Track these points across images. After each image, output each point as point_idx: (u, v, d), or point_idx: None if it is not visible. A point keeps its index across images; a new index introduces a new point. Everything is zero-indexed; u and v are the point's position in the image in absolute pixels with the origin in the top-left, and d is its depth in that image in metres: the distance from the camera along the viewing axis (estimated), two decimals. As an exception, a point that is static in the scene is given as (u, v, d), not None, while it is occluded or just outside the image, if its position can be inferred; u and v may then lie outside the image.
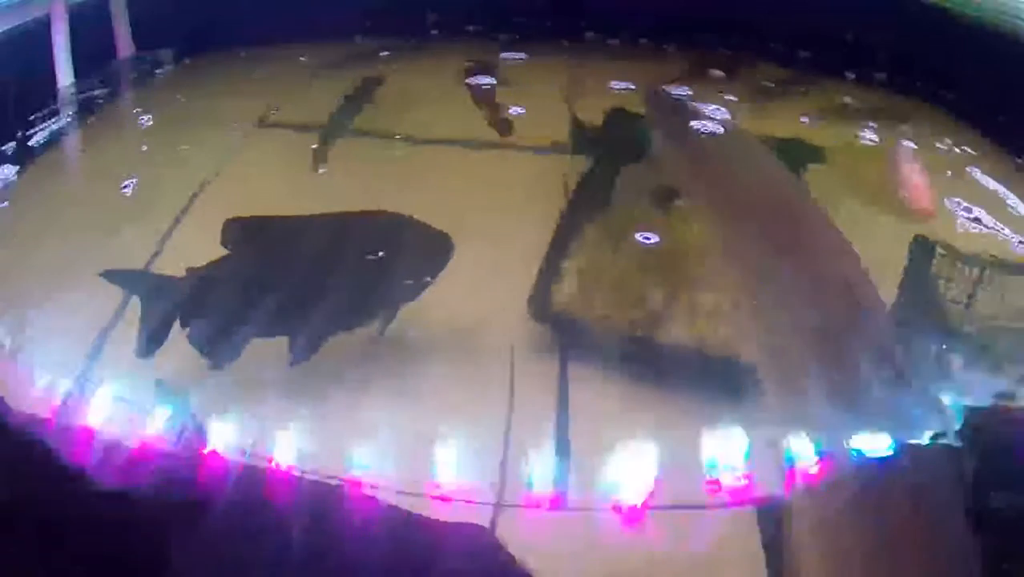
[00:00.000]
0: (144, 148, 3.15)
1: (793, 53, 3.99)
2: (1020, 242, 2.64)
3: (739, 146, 3.12)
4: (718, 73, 3.82)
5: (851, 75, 3.83)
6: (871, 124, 3.31)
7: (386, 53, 4.01)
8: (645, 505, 1.76)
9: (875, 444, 1.87)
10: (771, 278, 2.30)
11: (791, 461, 1.83)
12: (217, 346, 2.05)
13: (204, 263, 2.24)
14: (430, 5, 4.28)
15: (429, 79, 3.77)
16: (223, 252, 2.28)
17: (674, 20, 4.08)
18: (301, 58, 3.92)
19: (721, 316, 2.24)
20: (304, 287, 2.17)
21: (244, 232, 2.31)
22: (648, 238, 2.47)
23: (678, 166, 2.97)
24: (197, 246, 2.53)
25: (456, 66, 3.82)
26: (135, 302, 2.23)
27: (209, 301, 2.13)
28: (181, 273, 2.22)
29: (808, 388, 2.06)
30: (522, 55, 3.91)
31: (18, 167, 2.89)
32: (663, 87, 3.56)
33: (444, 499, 1.77)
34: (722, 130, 3.14)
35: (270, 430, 1.91)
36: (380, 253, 2.27)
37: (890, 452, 1.85)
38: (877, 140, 3.23)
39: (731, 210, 2.60)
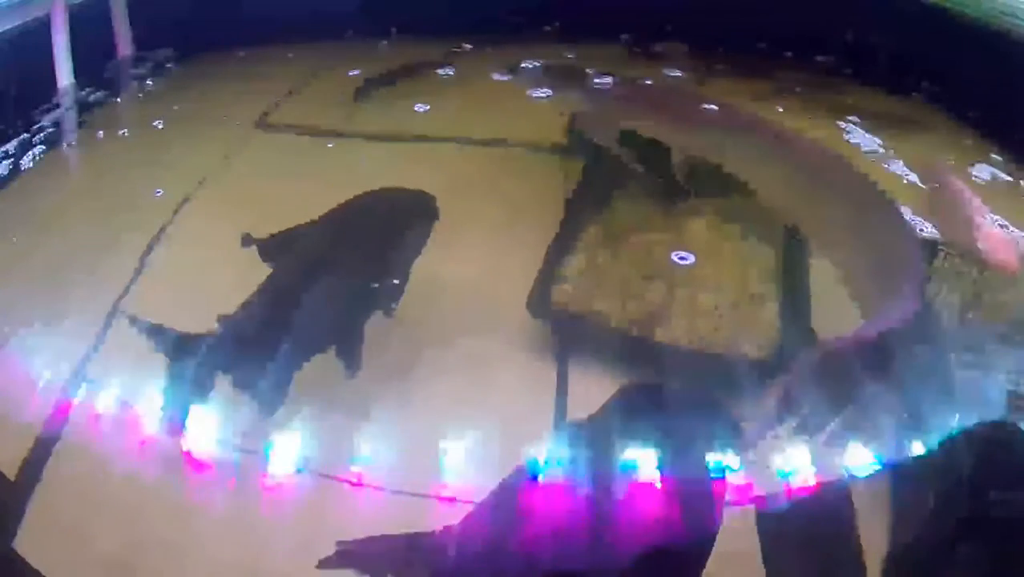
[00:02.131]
0: (144, 147, 3.15)
1: (791, 55, 3.99)
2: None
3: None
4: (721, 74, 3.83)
5: (849, 76, 3.83)
6: (868, 126, 3.31)
7: (385, 44, 4.03)
8: (645, 502, 1.76)
9: (876, 446, 1.88)
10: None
11: (789, 462, 1.84)
12: (266, 391, 1.96)
13: (204, 267, 2.24)
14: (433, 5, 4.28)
15: (428, 77, 3.76)
16: (220, 252, 2.29)
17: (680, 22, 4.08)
18: (289, 55, 3.93)
19: (722, 314, 2.25)
20: (327, 297, 2.13)
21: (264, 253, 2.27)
22: (684, 258, 2.45)
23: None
24: (196, 245, 2.56)
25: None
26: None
27: (242, 349, 2.01)
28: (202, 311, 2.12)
29: (808, 389, 2.06)
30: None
31: (18, 166, 2.90)
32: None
33: (444, 498, 1.78)
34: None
35: (272, 431, 1.92)
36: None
37: (893, 455, 1.86)
38: (877, 144, 3.23)
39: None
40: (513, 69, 3.53)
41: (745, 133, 2.86)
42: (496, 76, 3.54)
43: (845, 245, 2.44)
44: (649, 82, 3.53)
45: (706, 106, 3.06)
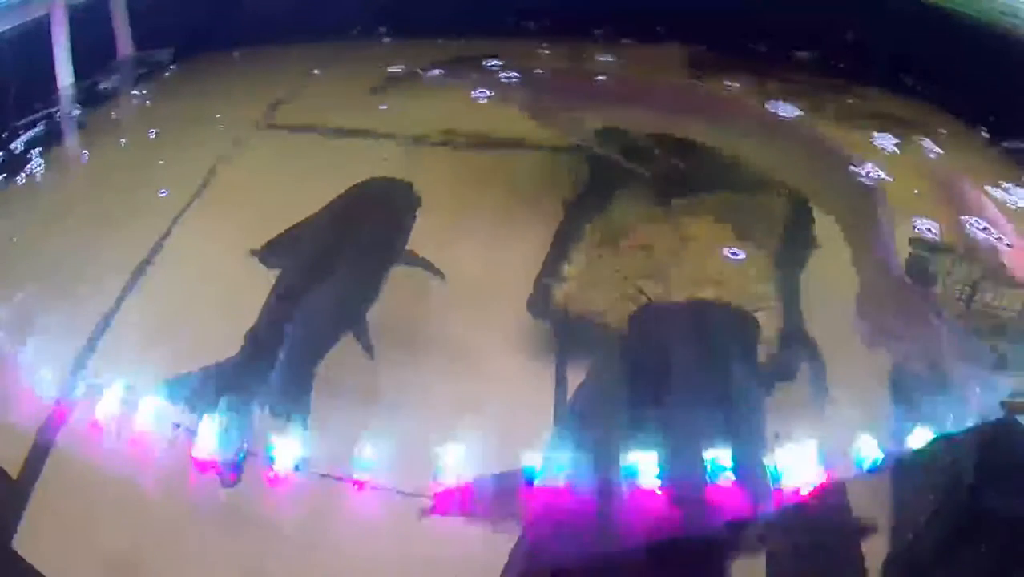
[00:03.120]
0: (146, 147, 3.15)
1: (788, 56, 3.98)
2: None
3: None
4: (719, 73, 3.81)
5: (847, 76, 3.83)
6: (866, 126, 3.30)
7: (388, 40, 4.02)
8: (643, 503, 1.76)
9: (876, 446, 1.88)
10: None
11: (791, 468, 1.84)
12: (290, 398, 1.98)
13: (211, 267, 2.27)
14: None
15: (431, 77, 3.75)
16: (220, 253, 2.29)
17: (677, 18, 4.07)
18: (289, 55, 3.92)
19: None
20: (333, 297, 2.19)
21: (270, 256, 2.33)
22: (736, 254, 2.45)
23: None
24: (195, 246, 2.55)
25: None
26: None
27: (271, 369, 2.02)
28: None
29: (807, 389, 2.07)
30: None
31: (18, 167, 2.90)
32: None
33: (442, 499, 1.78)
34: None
35: (268, 431, 1.92)
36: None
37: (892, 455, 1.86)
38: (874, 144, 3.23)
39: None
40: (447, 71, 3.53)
41: (716, 117, 2.88)
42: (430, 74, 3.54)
43: (848, 243, 2.47)
44: (602, 77, 3.52)
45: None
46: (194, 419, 1.93)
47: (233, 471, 1.84)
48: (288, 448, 1.88)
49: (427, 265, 2.32)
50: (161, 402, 1.97)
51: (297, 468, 1.86)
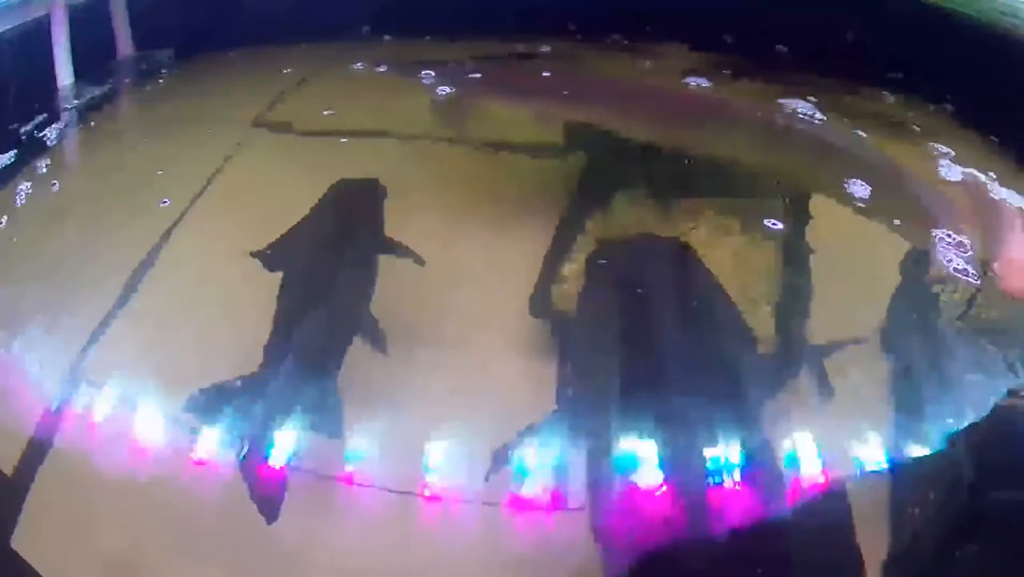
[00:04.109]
0: (143, 148, 3.15)
1: (788, 53, 3.98)
2: None
3: None
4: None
5: (848, 76, 3.82)
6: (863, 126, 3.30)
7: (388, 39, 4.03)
8: (644, 505, 1.76)
9: (876, 447, 1.88)
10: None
11: (791, 467, 1.84)
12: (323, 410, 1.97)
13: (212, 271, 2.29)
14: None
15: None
16: (221, 253, 2.28)
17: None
18: (288, 55, 3.91)
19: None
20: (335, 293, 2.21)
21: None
22: (775, 224, 2.44)
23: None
24: (196, 246, 2.56)
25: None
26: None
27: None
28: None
29: (808, 389, 2.07)
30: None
31: (17, 167, 2.90)
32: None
33: (439, 499, 1.78)
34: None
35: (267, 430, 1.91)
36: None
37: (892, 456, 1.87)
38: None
39: None
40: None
41: (712, 119, 2.89)
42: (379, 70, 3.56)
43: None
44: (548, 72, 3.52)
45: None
46: (200, 423, 1.93)
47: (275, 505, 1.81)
48: (292, 450, 1.88)
49: (407, 252, 2.33)
50: (163, 403, 1.97)
51: (297, 469, 1.86)
